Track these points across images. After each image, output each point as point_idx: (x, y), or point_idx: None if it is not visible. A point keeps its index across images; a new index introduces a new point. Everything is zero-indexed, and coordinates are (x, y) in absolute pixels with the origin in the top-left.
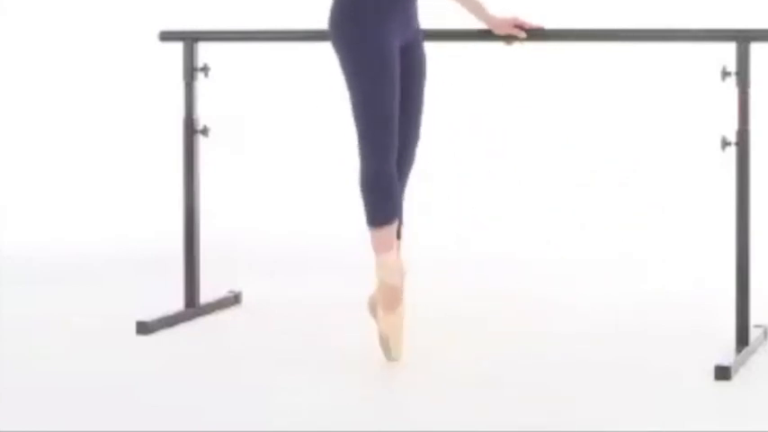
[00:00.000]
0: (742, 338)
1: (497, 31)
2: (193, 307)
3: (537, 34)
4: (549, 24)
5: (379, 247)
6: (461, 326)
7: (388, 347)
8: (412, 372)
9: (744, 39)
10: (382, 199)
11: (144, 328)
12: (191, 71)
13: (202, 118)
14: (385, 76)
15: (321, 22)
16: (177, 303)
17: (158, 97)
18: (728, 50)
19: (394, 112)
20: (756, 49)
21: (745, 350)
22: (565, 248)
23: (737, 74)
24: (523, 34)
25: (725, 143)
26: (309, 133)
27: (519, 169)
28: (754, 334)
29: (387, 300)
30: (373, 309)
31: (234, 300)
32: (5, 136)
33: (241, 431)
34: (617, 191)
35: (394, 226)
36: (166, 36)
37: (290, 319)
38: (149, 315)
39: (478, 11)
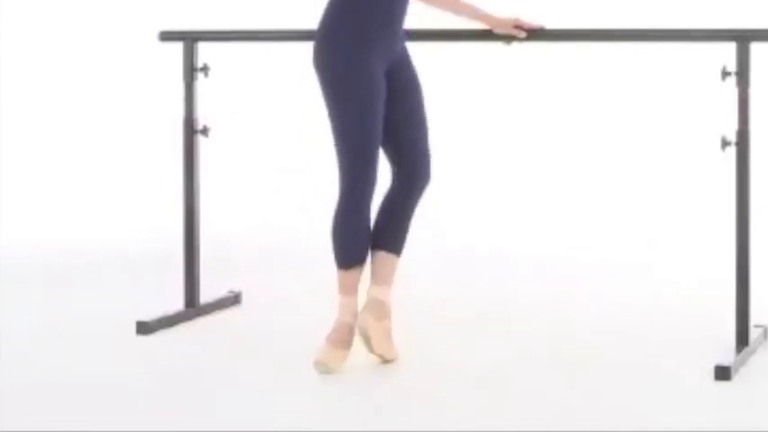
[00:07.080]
0: (742, 338)
1: (497, 31)
2: (193, 307)
3: (537, 34)
4: (549, 24)
5: (339, 288)
6: (462, 325)
7: (326, 371)
8: (411, 372)
9: (744, 39)
10: (349, 243)
11: (144, 328)
12: (191, 71)
13: (202, 118)
14: (367, 108)
15: None
16: (177, 303)
17: (158, 97)
18: (728, 50)
19: (375, 144)
20: (756, 49)
21: (745, 350)
22: (564, 249)
23: (737, 74)
24: (523, 34)
25: (725, 143)
26: (309, 133)
27: (519, 169)
28: (754, 334)
29: (336, 335)
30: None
31: (234, 300)
32: (5, 136)
33: (241, 431)
34: (617, 191)
35: (355, 271)
36: (166, 36)
37: (290, 319)
38: (149, 315)
39: (476, 13)
